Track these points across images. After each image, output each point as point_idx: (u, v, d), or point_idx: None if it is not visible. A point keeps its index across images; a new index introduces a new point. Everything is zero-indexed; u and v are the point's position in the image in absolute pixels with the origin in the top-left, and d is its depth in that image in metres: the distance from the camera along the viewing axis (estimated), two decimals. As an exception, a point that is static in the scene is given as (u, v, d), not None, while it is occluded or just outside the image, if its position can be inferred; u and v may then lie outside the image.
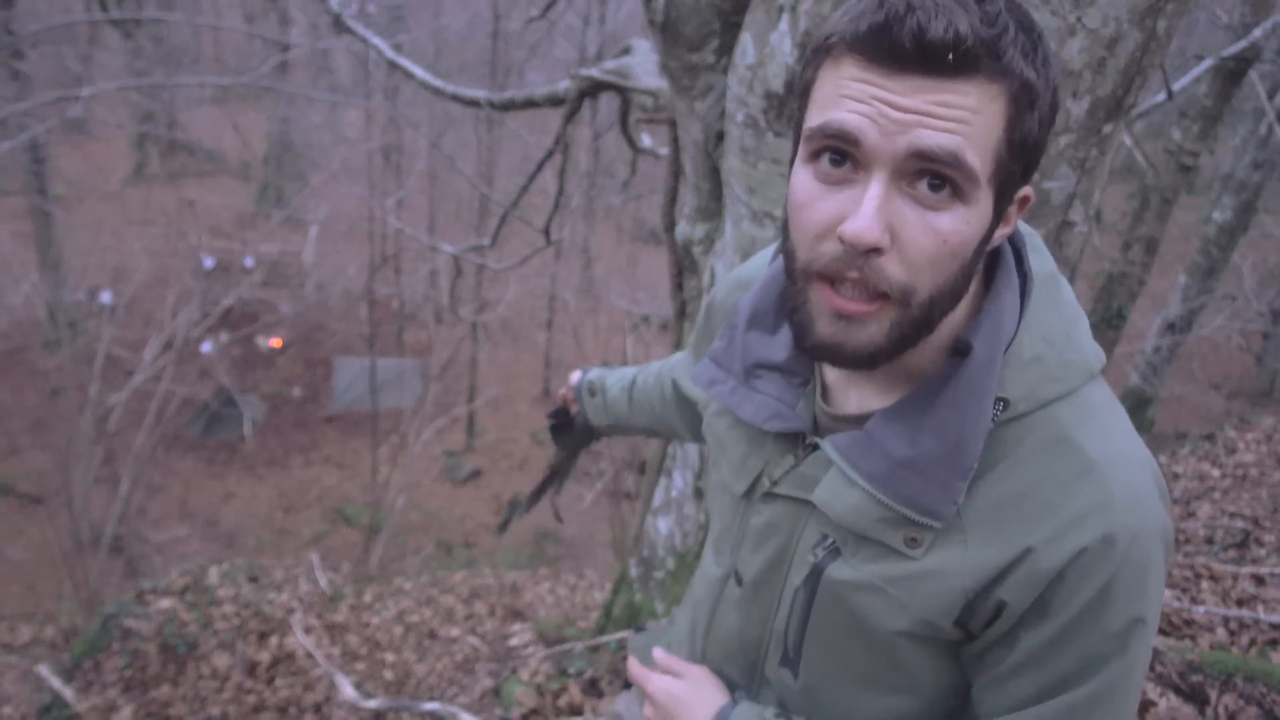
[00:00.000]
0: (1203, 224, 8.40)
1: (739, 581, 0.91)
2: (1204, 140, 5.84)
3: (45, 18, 10.86)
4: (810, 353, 0.72)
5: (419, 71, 4.08)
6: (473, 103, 3.77)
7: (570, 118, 3.13)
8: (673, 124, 2.35)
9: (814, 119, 0.67)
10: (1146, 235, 6.04)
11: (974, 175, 0.64)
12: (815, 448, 0.81)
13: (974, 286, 0.75)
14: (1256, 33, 4.29)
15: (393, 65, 4.20)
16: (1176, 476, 5.09)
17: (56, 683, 4.21)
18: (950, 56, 0.61)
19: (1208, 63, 4.35)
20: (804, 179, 0.69)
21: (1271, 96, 6.28)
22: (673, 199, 2.56)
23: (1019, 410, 0.72)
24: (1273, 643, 2.41)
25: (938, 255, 0.65)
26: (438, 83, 3.98)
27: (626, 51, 3.08)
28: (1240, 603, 2.75)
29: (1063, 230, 1.54)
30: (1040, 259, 0.78)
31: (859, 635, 0.80)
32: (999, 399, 0.72)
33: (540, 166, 3.67)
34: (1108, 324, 6.18)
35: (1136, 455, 0.72)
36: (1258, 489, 4.52)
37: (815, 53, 0.69)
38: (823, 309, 0.69)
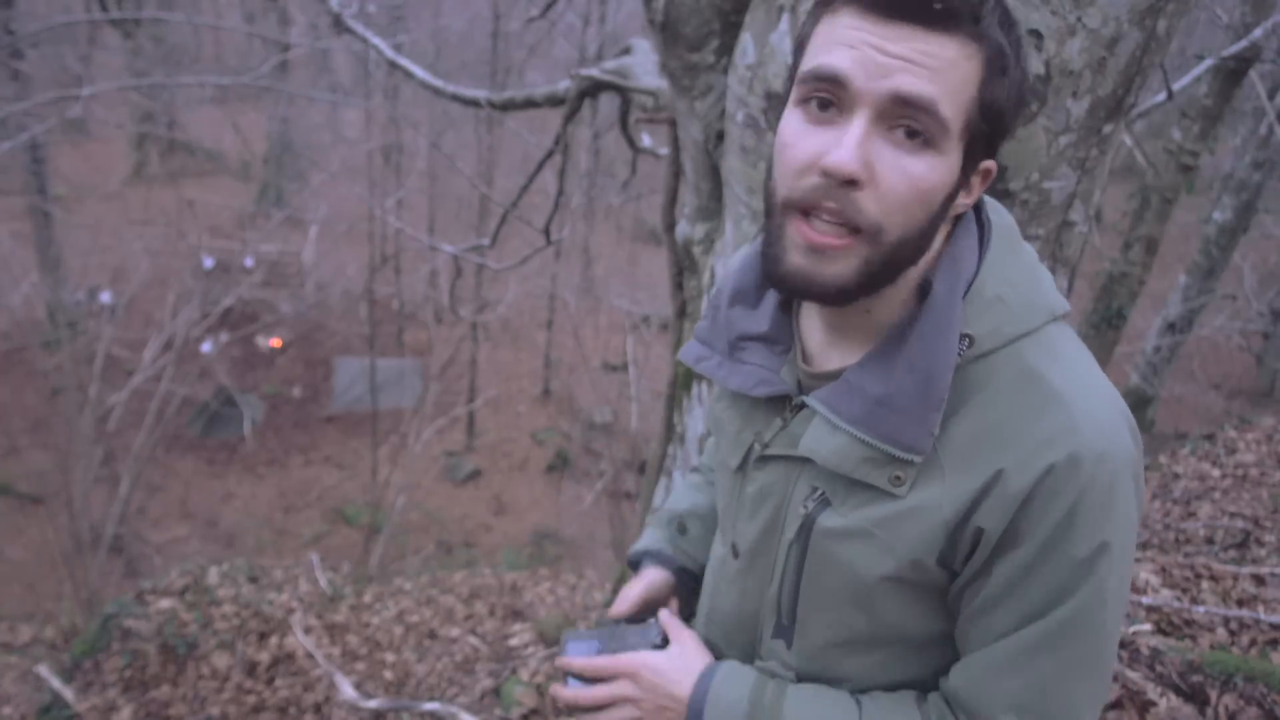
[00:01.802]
0: (1203, 224, 8.39)
1: (735, 554, 0.93)
2: (1204, 140, 5.84)
3: (45, 17, 10.85)
4: (780, 283, 0.76)
5: (419, 71, 4.07)
6: (473, 103, 3.76)
7: (570, 118, 3.13)
8: (673, 124, 2.35)
9: (808, 63, 0.73)
10: (1147, 235, 6.03)
11: (945, 125, 0.69)
12: (801, 407, 0.85)
13: (938, 245, 0.79)
14: (1257, 32, 4.28)
15: (393, 65, 4.20)
16: (1177, 476, 5.09)
17: (56, 683, 4.21)
18: (937, 6, 0.67)
19: (1208, 62, 4.35)
20: (792, 120, 0.74)
21: (1272, 96, 6.28)
22: (673, 199, 2.56)
23: (985, 348, 0.76)
24: (1273, 643, 2.41)
25: (908, 197, 0.70)
26: (438, 83, 3.98)
27: (626, 51, 3.07)
28: (1240, 603, 2.75)
29: (1063, 230, 1.53)
30: (998, 214, 0.83)
31: (848, 588, 0.82)
32: (964, 335, 0.75)
33: (540, 166, 3.67)
34: (1108, 324, 6.17)
35: (1101, 387, 0.76)
36: (1258, 489, 4.52)
37: (816, 7, 0.75)
38: (796, 241, 0.73)
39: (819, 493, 0.83)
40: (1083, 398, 0.74)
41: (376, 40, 4.27)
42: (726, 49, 1.86)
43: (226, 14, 17.75)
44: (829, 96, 0.70)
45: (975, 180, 0.77)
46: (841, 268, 0.73)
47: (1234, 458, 5.19)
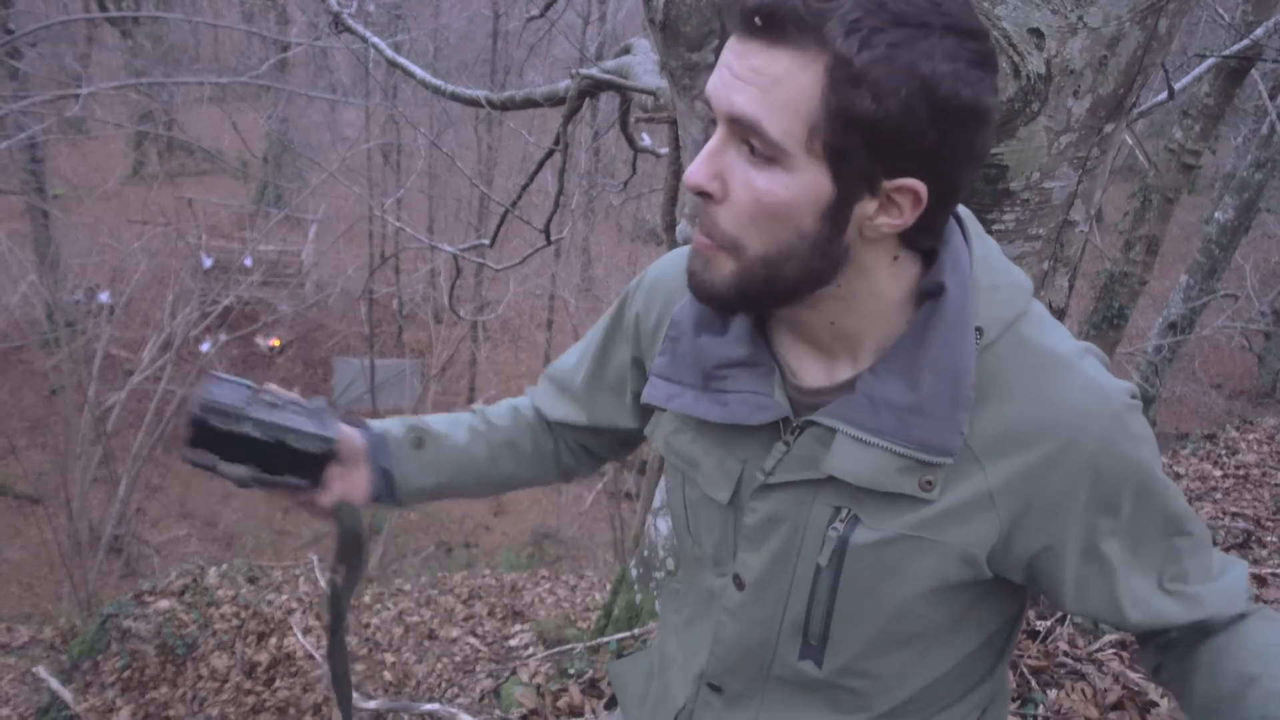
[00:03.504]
0: (1204, 223, 8.40)
1: (740, 586, 0.90)
2: (1206, 139, 5.83)
3: (43, 16, 10.85)
4: (690, 288, 0.79)
5: (418, 71, 4.07)
6: (473, 102, 3.76)
7: (570, 117, 3.12)
8: (673, 123, 2.34)
9: None
10: (1148, 235, 6.03)
11: (774, 142, 0.68)
12: (803, 428, 0.82)
13: (912, 266, 0.78)
14: (1258, 31, 4.28)
15: (392, 64, 4.20)
16: (1178, 477, 5.08)
17: (55, 683, 4.21)
18: (756, 20, 0.66)
19: (1209, 62, 4.35)
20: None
21: (1273, 95, 6.27)
22: (673, 199, 2.55)
23: (991, 337, 0.77)
24: (1275, 644, 2.40)
25: (756, 211, 0.70)
26: (437, 82, 3.97)
27: (626, 51, 3.07)
28: (1242, 604, 2.74)
29: (1064, 230, 1.53)
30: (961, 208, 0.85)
31: (892, 598, 0.81)
32: (975, 329, 0.76)
33: (540, 166, 3.66)
34: (1109, 323, 6.17)
35: (1089, 348, 0.81)
36: (1259, 489, 4.51)
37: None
38: (694, 246, 0.78)
39: (848, 512, 0.80)
40: (1083, 358, 0.79)
41: (376, 40, 4.27)
42: (726, 48, 1.85)
43: (225, 13, 17.73)
44: (712, 115, 0.73)
45: (900, 199, 0.71)
46: (716, 275, 0.75)
47: (1235, 458, 5.19)
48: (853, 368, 0.81)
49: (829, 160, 0.68)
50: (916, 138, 0.68)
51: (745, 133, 0.69)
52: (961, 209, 0.83)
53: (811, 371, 0.83)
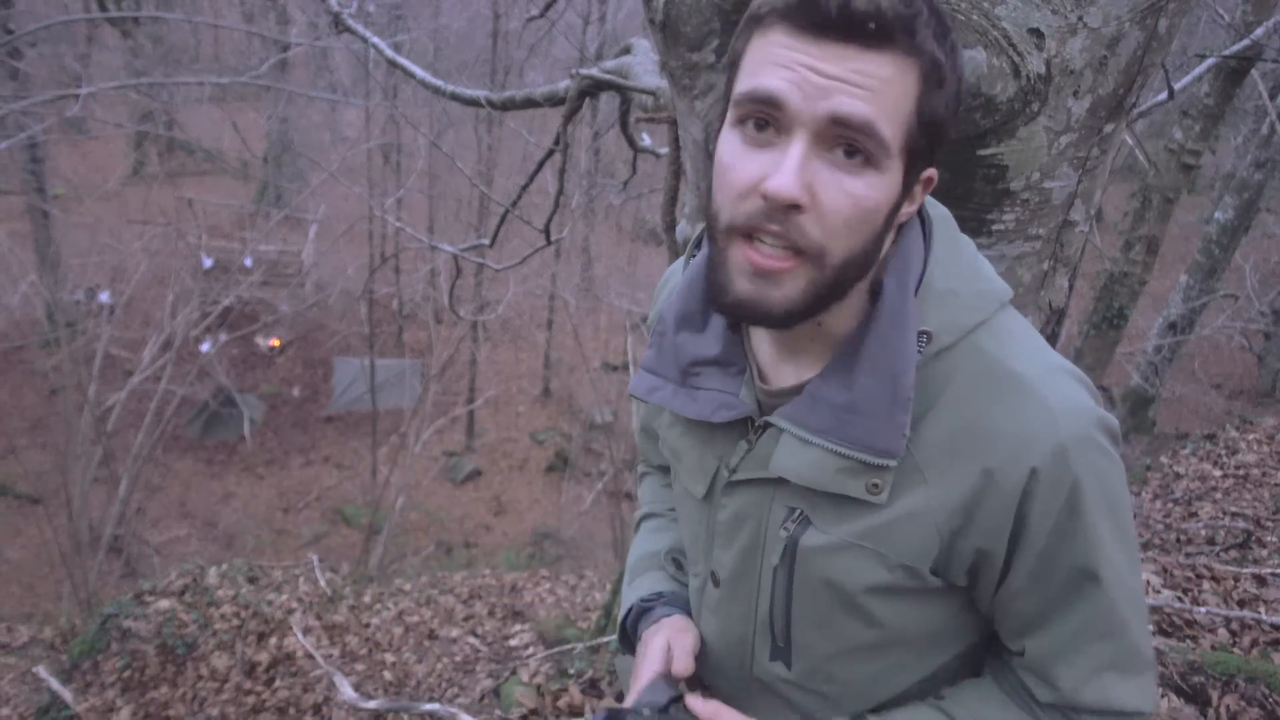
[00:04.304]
0: (1204, 223, 8.39)
1: (715, 583, 0.91)
2: (1206, 139, 5.83)
3: (44, 16, 10.84)
4: (729, 311, 0.74)
5: (419, 71, 4.07)
6: (473, 102, 3.76)
7: (570, 117, 3.12)
8: (673, 123, 2.34)
9: (743, 85, 0.71)
10: (1148, 235, 6.03)
11: (885, 143, 0.68)
12: (766, 428, 0.83)
13: (886, 247, 0.78)
14: (1258, 32, 4.27)
15: (392, 65, 4.19)
16: (1178, 477, 5.09)
17: (55, 683, 4.21)
18: (871, 25, 0.66)
19: (1209, 62, 4.35)
20: (730, 142, 0.72)
21: (1273, 95, 6.27)
22: (673, 199, 2.55)
23: (943, 343, 0.75)
24: (1274, 643, 2.41)
25: (851, 217, 0.69)
26: (437, 82, 3.97)
27: (626, 51, 3.07)
28: (1242, 603, 2.75)
29: (1064, 230, 1.53)
30: (935, 207, 0.82)
31: (843, 602, 0.81)
32: (922, 332, 0.75)
33: (540, 166, 3.66)
34: (1109, 324, 6.17)
35: (1059, 365, 0.77)
36: (1259, 489, 4.51)
37: (747, 22, 0.74)
38: (742, 267, 0.72)
39: (798, 513, 0.81)
40: (1048, 381, 0.74)
41: (376, 40, 4.26)
42: (727, 48, 1.85)
43: (225, 13, 17.73)
44: (766, 117, 0.69)
45: (918, 189, 0.76)
46: (788, 291, 0.71)
47: (1235, 458, 5.19)
48: (816, 369, 0.80)
49: (905, 159, 0.71)
50: (949, 129, 0.73)
51: (850, 135, 0.68)
52: (940, 210, 0.82)
53: (782, 372, 0.83)
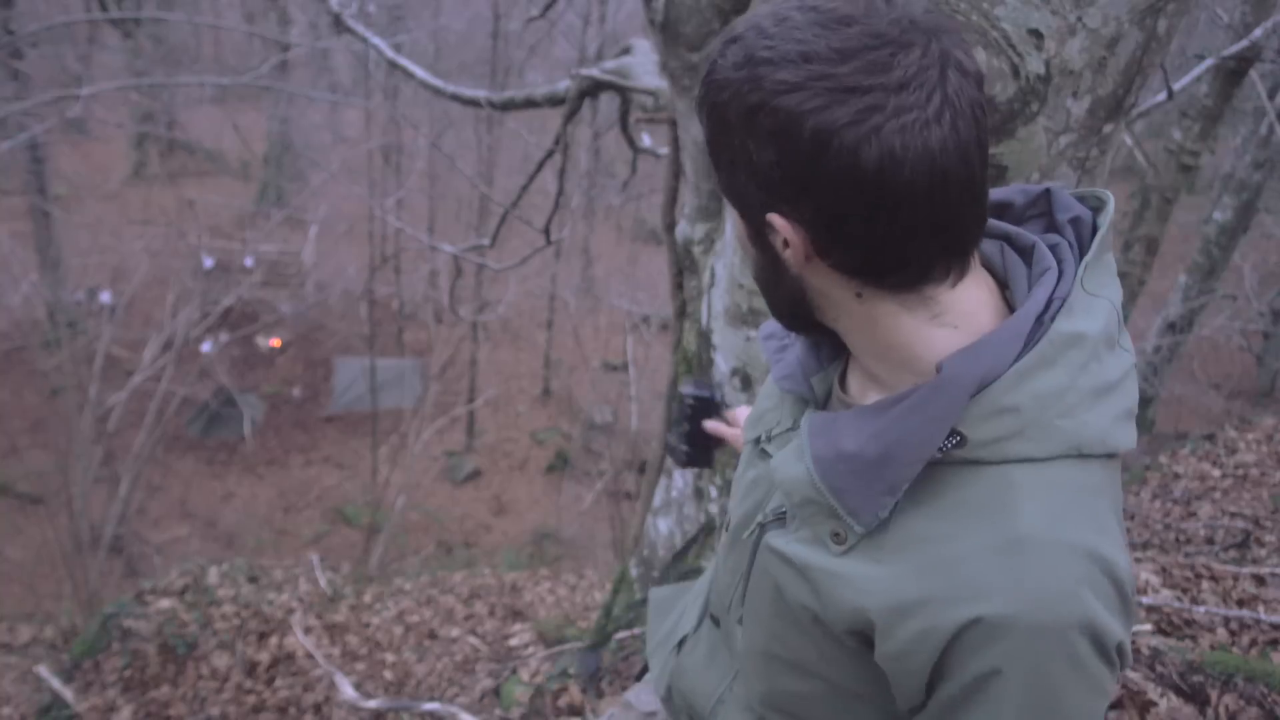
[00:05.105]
0: (1203, 224, 8.40)
1: (726, 528, 0.96)
2: (1204, 140, 5.84)
3: (44, 17, 10.84)
4: None
5: (419, 71, 4.07)
6: (473, 102, 3.77)
7: (570, 117, 3.13)
8: (673, 124, 2.35)
9: None
10: (1147, 235, 6.03)
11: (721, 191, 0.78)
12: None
13: (908, 316, 0.71)
14: (1257, 32, 4.28)
15: (393, 65, 4.20)
16: (1177, 476, 5.09)
17: (56, 683, 4.21)
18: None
19: (1208, 62, 4.35)
20: None
21: (1272, 96, 6.28)
22: (673, 199, 2.56)
23: (977, 455, 0.68)
24: (1274, 643, 2.41)
25: (735, 242, 0.80)
26: (438, 83, 3.98)
27: (626, 51, 3.08)
28: (1241, 603, 2.75)
29: (1063, 230, 1.53)
30: (1074, 320, 0.69)
31: (777, 603, 0.82)
32: (955, 431, 0.68)
33: (540, 166, 3.67)
34: (1108, 324, 6.17)
35: (1083, 548, 0.64)
36: (1258, 489, 4.52)
37: None
38: None
39: (780, 508, 0.83)
40: (1046, 552, 0.64)
41: (376, 40, 4.27)
42: (726, 49, 1.86)
43: (226, 14, 17.75)
44: None
45: (788, 242, 0.70)
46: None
47: (1234, 458, 5.19)
48: (877, 398, 0.79)
49: (735, 204, 0.77)
50: (763, 169, 0.72)
51: None
52: (1083, 326, 0.69)
53: (858, 384, 0.82)
